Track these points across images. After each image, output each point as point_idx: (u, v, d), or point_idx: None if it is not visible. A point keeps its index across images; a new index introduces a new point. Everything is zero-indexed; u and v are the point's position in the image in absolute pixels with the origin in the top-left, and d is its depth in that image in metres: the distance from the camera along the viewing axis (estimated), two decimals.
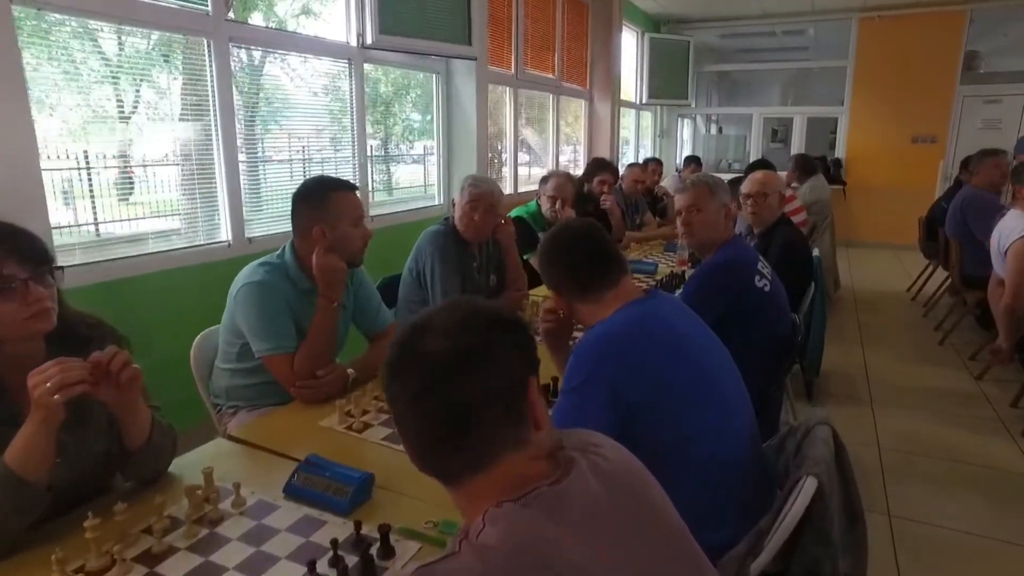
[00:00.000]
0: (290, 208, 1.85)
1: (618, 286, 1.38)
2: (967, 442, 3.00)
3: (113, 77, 2.68)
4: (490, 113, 5.44)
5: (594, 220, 1.51)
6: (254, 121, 3.40)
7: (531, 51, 5.64)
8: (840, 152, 8.47)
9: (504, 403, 0.74)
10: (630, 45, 8.14)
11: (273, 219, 3.30)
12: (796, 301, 2.68)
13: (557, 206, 3.25)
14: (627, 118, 8.48)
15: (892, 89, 7.98)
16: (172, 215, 2.94)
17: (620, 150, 7.84)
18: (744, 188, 2.83)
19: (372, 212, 4.08)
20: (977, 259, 4.14)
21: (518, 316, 0.84)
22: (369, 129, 4.58)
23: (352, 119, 3.71)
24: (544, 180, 3.31)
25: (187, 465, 1.40)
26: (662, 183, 5.98)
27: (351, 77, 3.67)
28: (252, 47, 3.15)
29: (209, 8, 2.81)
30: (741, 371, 1.97)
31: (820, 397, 3.49)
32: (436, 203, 4.62)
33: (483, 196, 2.49)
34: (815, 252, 3.41)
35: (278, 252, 1.88)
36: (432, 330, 0.76)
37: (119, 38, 2.68)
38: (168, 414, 1.40)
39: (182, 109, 2.89)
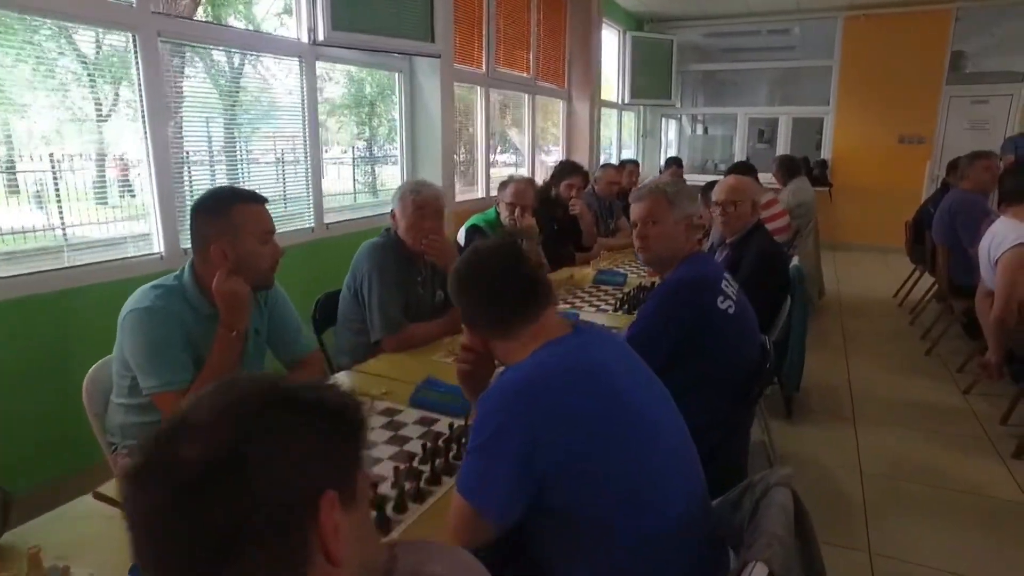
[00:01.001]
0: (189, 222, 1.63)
1: (539, 321, 1.17)
2: (954, 465, 2.81)
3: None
4: (463, 113, 5.23)
5: (514, 241, 1.29)
6: (235, 124, 3.27)
7: (504, 49, 5.43)
8: (826, 153, 8.31)
9: (275, 532, 0.52)
10: (611, 44, 7.95)
11: None
12: (771, 316, 2.49)
13: (516, 214, 3.04)
14: (609, 118, 8.28)
15: (878, 89, 7.82)
16: (98, 223, 2.71)
17: (601, 151, 7.63)
18: (714, 195, 2.62)
19: (356, 215, 3.98)
20: (965, 266, 3.96)
21: (330, 394, 0.62)
22: (354, 130, 4.40)
23: (304, 120, 3.48)
24: (502, 186, 3.09)
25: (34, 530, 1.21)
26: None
27: (302, 76, 3.43)
28: (193, 43, 2.91)
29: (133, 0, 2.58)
30: (703, 400, 1.76)
31: (800, 414, 3.29)
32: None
33: (430, 201, 2.28)
34: (794, 261, 3.21)
35: (177, 272, 1.65)
36: (187, 427, 0.54)
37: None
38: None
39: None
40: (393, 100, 4.58)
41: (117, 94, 2.84)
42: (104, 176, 2.71)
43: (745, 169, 4.61)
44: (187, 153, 3.02)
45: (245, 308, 1.57)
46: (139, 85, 2.63)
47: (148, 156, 2.71)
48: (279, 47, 3.34)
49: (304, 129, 3.49)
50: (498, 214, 3.11)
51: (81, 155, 2.62)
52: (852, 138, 8.09)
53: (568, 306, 2.75)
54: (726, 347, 1.74)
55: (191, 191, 3.10)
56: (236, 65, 3.38)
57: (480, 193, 5.42)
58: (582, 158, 6.86)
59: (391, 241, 2.31)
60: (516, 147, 6.76)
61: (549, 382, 1.04)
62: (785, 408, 3.26)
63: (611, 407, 1.06)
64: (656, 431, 1.10)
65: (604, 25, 7.39)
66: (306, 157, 3.53)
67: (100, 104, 2.69)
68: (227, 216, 1.58)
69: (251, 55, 3.26)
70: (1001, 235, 2.90)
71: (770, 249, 2.49)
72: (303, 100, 3.46)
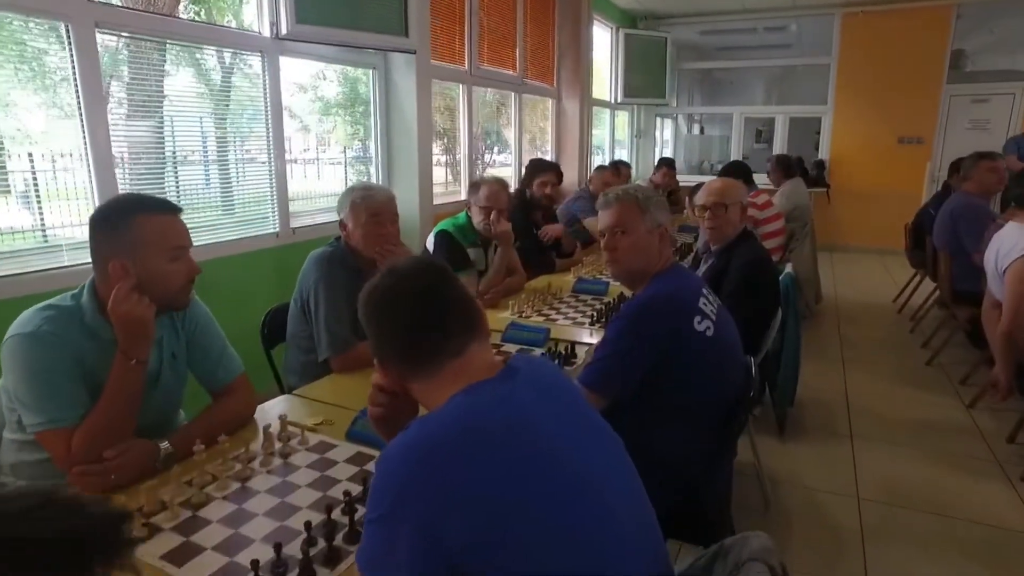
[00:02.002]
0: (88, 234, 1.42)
1: (463, 357, 0.96)
2: (959, 490, 2.60)
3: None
4: (443, 111, 5.02)
5: (438, 261, 1.08)
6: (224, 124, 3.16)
7: (488, 46, 5.22)
8: (824, 153, 8.11)
9: None
10: (604, 41, 7.75)
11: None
12: (759, 333, 2.28)
13: (492, 217, 2.83)
14: (602, 118, 8.08)
15: (877, 88, 7.62)
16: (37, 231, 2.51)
17: (593, 152, 7.43)
18: (699, 199, 2.42)
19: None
20: (968, 272, 3.76)
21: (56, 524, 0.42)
22: (349, 130, 4.21)
23: (267, 119, 3.27)
24: (474, 187, 2.88)
25: None
26: None
27: (264, 72, 3.23)
28: (139, 36, 2.70)
29: None
30: (678, 433, 1.56)
31: (794, 431, 3.09)
32: None
33: (385, 205, 2.10)
34: (787, 269, 3.01)
35: (75, 291, 1.45)
36: None
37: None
38: None
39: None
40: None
41: (107, 91, 2.71)
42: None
43: (737, 170, 4.41)
44: (174, 153, 2.95)
45: (146, 333, 1.36)
46: (74, 78, 2.43)
47: (86, 154, 2.50)
48: (238, 41, 3.14)
49: (267, 128, 3.28)
50: (469, 218, 2.90)
51: (63, 154, 2.51)
52: (850, 138, 7.89)
53: (542, 319, 2.55)
54: (704, 374, 1.54)
55: (178, 192, 2.99)
56: (227, 64, 3.19)
57: (464, 195, 5.20)
58: (572, 159, 6.67)
59: (340, 251, 2.10)
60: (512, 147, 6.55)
61: (460, 447, 0.83)
62: (777, 425, 3.06)
63: (537, 476, 0.85)
64: (599, 499, 0.89)
65: (596, 22, 7.19)
66: (269, 158, 3.32)
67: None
68: (127, 229, 1.37)
69: (239, 53, 3.05)
70: (1009, 243, 2.70)
71: (758, 258, 2.28)
72: (265, 97, 3.25)
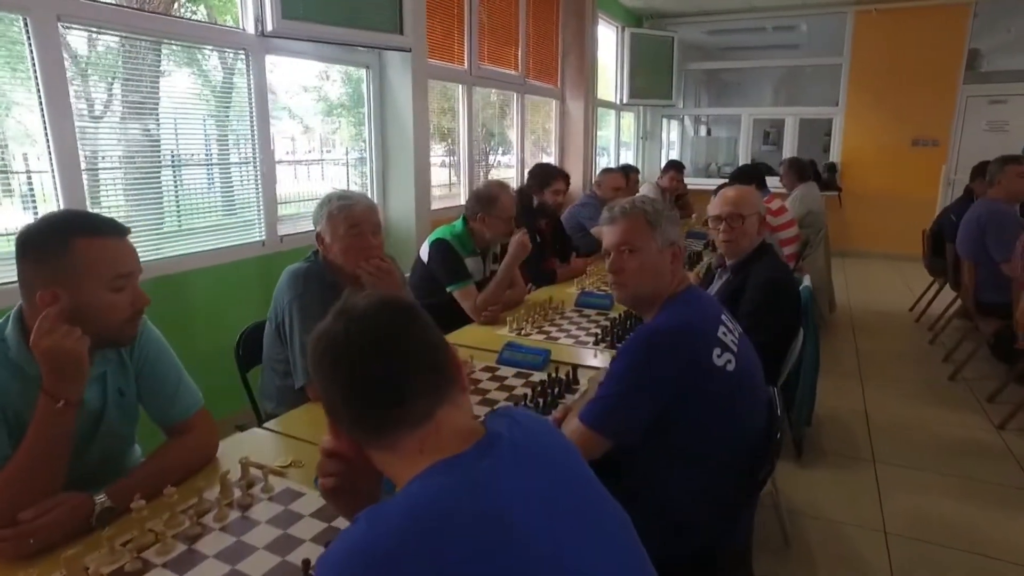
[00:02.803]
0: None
1: (432, 421, 0.77)
2: (994, 524, 2.40)
3: None
4: (446, 112, 4.84)
5: (403, 300, 0.88)
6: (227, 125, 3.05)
7: (489, 45, 5.03)
8: (835, 156, 7.89)
9: None
10: (609, 41, 7.55)
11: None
12: (780, 354, 2.08)
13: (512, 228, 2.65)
14: (607, 119, 7.88)
15: (890, 88, 7.40)
16: None
17: (597, 153, 7.23)
18: (713, 209, 2.21)
19: None
20: (994, 283, 3.56)
21: None
22: (352, 131, 4.08)
23: (252, 120, 3.09)
24: (488, 200, 2.65)
25: None
26: (640, 192, 5.35)
27: (248, 71, 3.04)
28: (111, 31, 2.52)
29: None
30: (691, 482, 1.36)
31: (812, 454, 2.88)
32: None
33: (366, 215, 1.89)
34: (805, 281, 2.80)
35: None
36: None
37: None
38: None
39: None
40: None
41: (110, 93, 2.69)
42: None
43: (750, 174, 4.21)
44: (171, 154, 2.85)
45: (77, 371, 1.17)
46: (34, 77, 2.24)
47: (50, 160, 2.32)
48: (220, 39, 2.95)
49: (252, 130, 3.10)
50: (467, 226, 2.71)
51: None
52: (863, 140, 7.66)
53: (542, 337, 2.35)
54: (724, 413, 1.34)
55: (177, 197, 2.88)
56: (229, 63, 3.02)
57: (463, 199, 5.01)
58: (576, 161, 6.48)
59: (317, 267, 1.91)
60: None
61: (415, 555, 0.64)
62: (795, 447, 2.85)
63: (518, 569, 0.66)
64: None
65: (601, 21, 7.00)
66: (255, 161, 3.13)
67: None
68: (63, 254, 1.18)
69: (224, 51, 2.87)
70: None
71: (779, 275, 2.07)
72: (250, 98, 3.07)
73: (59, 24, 2.29)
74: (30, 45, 2.23)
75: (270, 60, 3.17)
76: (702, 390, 1.30)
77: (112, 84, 2.69)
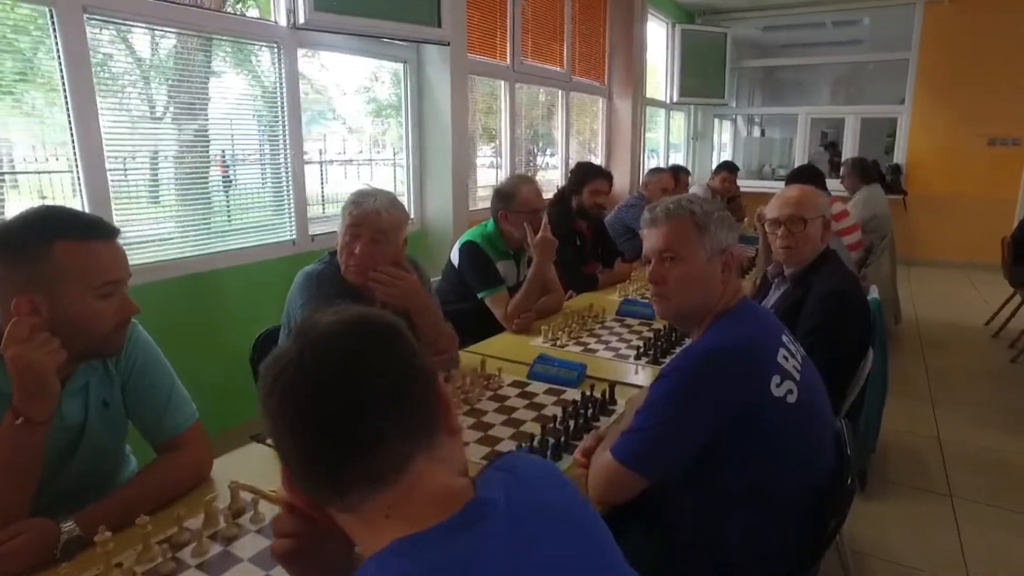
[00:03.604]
0: None
1: (399, 482, 0.60)
2: None
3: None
4: (495, 111, 4.69)
5: (385, 318, 0.71)
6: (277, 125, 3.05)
7: (532, 40, 4.86)
8: (900, 157, 7.41)
9: None
10: (659, 38, 7.29)
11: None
12: (846, 376, 1.84)
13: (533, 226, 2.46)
14: (656, 119, 7.61)
15: (963, 85, 6.90)
16: None
17: (646, 154, 6.98)
18: (771, 211, 1.98)
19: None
20: None
21: None
22: (400, 131, 4.01)
23: (282, 117, 3.00)
24: (506, 194, 2.49)
25: None
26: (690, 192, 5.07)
27: (279, 65, 2.95)
28: (136, 23, 2.45)
29: None
30: (750, 519, 1.15)
31: (877, 486, 2.60)
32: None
33: (366, 219, 1.69)
34: (873, 293, 2.53)
35: None
36: None
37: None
38: None
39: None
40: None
41: (170, 96, 2.69)
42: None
43: (808, 175, 3.91)
44: (223, 153, 2.86)
45: (40, 388, 1.04)
46: (60, 71, 2.18)
47: (75, 157, 2.25)
48: (250, 31, 2.87)
49: (283, 127, 3.00)
50: (498, 227, 2.53)
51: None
52: (931, 140, 7.17)
53: (579, 348, 2.16)
54: (784, 450, 1.13)
55: (227, 198, 2.89)
56: (278, 60, 2.99)
57: None
58: (624, 161, 6.26)
59: (331, 269, 1.77)
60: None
61: None
62: (859, 479, 2.57)
63: None
64: None
65: (651, 17, 6.75)
66: (285, 159, 3.04)
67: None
68: (44, 257, 1.06)
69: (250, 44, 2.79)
70: None
71: (846, 287, 1.82)
72: (281, 94, 2.98)
73: (84, 16, 2.22)
74: (55, 37, 2.16)
75: (322, 59, 3.10)
76: (759, 424, 1.10)
77: (153, 83, 2.64)
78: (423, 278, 1.93)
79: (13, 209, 2.18)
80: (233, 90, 2.92)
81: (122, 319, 1.16)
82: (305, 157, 3.18)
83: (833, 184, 4.81)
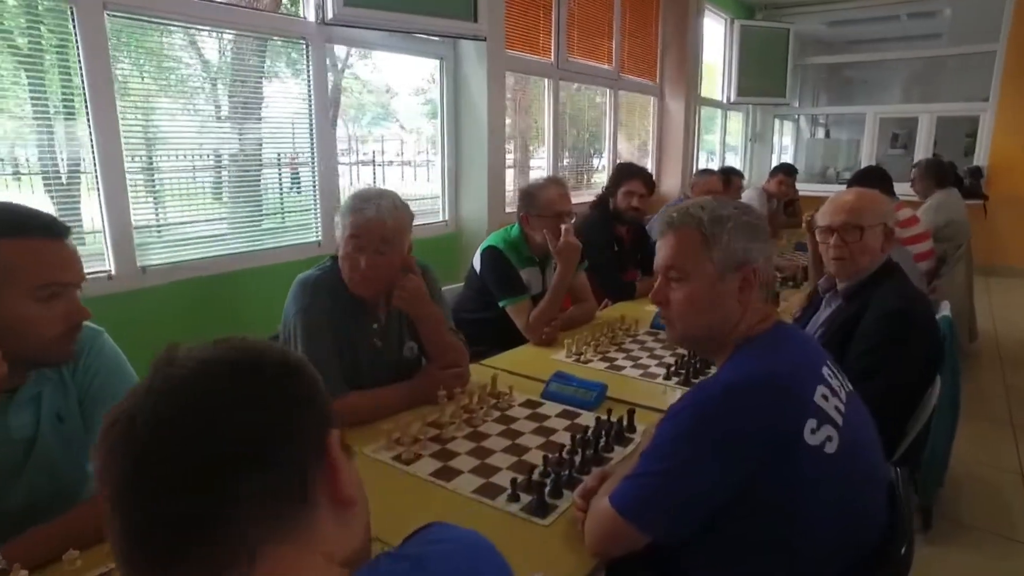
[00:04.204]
0: None
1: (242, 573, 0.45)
2: None
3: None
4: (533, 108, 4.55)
5: (258, 357, 0.56)
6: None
7: (579, 36, 4.68)
8: (981, 159, 6.84)
9: None
10: (716, 34, 6.97)
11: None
12: (907, 408, 1.60)
13: (564, 228, 2.30)
14: (712, 120, 7.29)
15: None
16: None
17: (699, 156, 6.68)
18: (823, 217, 1.75)
19: None
20: None
21: None
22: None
23: (311, 117, 2.92)
24: (530, 195, 2.33)
25: None
26: (743, 197, 4.77)
27: (308, 62, 2.88)
28: (156, 18, 2.41)
29: None
30: None
31: (945, 526, 2.31)
32: (439, 219, 3.76)
33: (370, 229, 1.55)
34: (944, 310, 2.25)
35: None
36: None
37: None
38: None
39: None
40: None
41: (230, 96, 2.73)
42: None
43: (873, 177, 3.59)
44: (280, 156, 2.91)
45: None
46: (80, 69, 2.15)
47: (94, 159, 2.23)
48: (278, 27, 2.80)
49: (311, 128, 2.93)
50: (522, 230, 2.38)
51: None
52: (1019, 140, 6.58)
53: (604, 365, 1.98)
54: (816, 505, 0.92)
55: (282, 200, 2.95)
56: (342, 61, 2.97)
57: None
58: (675, 163, 6.00)
59: (330, 275, 1.65)
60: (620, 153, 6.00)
61: None
62: (921, 515, 2.29)
63: None
64: None
65: (708, 12, 6.45)
66: (312, 159, 2.97)
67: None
68: None
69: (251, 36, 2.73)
70: None
71: (911, 305, 1.57)
72: (309, 91, 2.90)
73: (105, 12, 2.19)
74: (76, 34, 2.14)
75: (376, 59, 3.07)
76: (788, 477, 0.90)
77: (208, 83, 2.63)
78: (432, 285, 1.79)
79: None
80: (290, 92, 2.91)
81: (69, 326, 1.06)
82: (363, 158, 3.26)
83: (902, 188, 4.44)
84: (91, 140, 2.21)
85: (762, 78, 7.29)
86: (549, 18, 4.35)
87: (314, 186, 2.99)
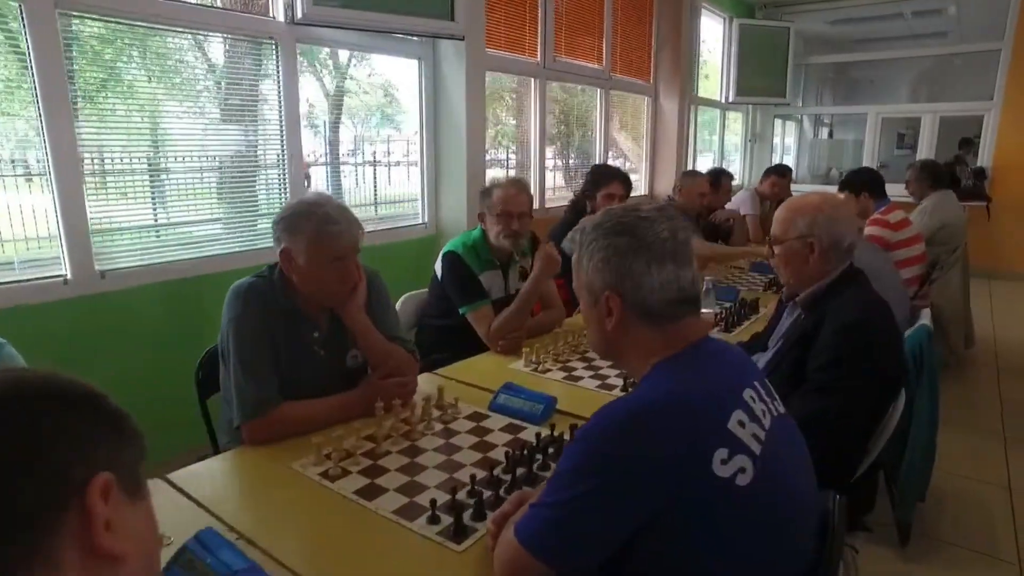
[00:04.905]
0: None
1: None
2: None
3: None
4: (557, 115, 4.49)
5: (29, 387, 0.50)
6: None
7: (567, 35, 4.61)
8: (985, 159, 6.70)
9: None
10: (715, 33, 6.88)
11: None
12: (864, 427, 1.52)
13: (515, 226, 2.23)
14: (712, 121, 7.19)
15: None
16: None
17: (694, 156, 6.58)
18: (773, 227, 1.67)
19: None
20: None
21: None
22: None
23: (281, 119, 2.87)
24: (486, 192, 2.28)
25: None
26: (732, 201, 4.66)
27: (277, 63, 2.83)
28: (103, 16, 2.36)
29: None
30: None
31: (925, 543, 2.22)
32: (419, 222, 3.70)
33: (353, 248, 1.59)
34: (923, 319, 2.16)
35: None
36: None
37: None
38: None
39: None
40: (507, 101, 4.36)
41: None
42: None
43: (864, 180, 3.51)
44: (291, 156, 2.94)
45: None
46: (31, 68, 2.11)
47: (47, 159, 2.18)
48: (245, 27, 2.75)
49: (281, 130, 2.88)
50: (484, 232, 2.31)
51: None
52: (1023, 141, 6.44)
53: (563, 375, 1.91)
54: (726, 544, 0.85)
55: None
56: (343, 63, 2.96)
57: (535, 204, 4.61)
58: (669, 165, 5.90)
59: (269, 284, 1.58)
60: (625, 153, 5.97)
61: None
62: (898, 531, 2.20)
63: None
64: None
65: (705, 11, 6.37)
66: (281, 162, 2.91)
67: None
68: None
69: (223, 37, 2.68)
70: None
71: (867, 316, 1.48)
72: (279, 94, 2.85)
73: (56, 11, 2.14)
74: (25, 34, 2.09)
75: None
76: (696, 510, 0.82)
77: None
78: (377, 292, 1.74)
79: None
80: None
81: None
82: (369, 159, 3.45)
83: (896, 188, 4.33)
84: (43, 139, 2.16)
85: (762, 78, 7.18)
86: (535, 17, 4.28)
87: (281, 190, 2.93)
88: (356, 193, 3.63)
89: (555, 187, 5.01)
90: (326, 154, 3.37)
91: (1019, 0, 6.32)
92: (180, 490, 1.28)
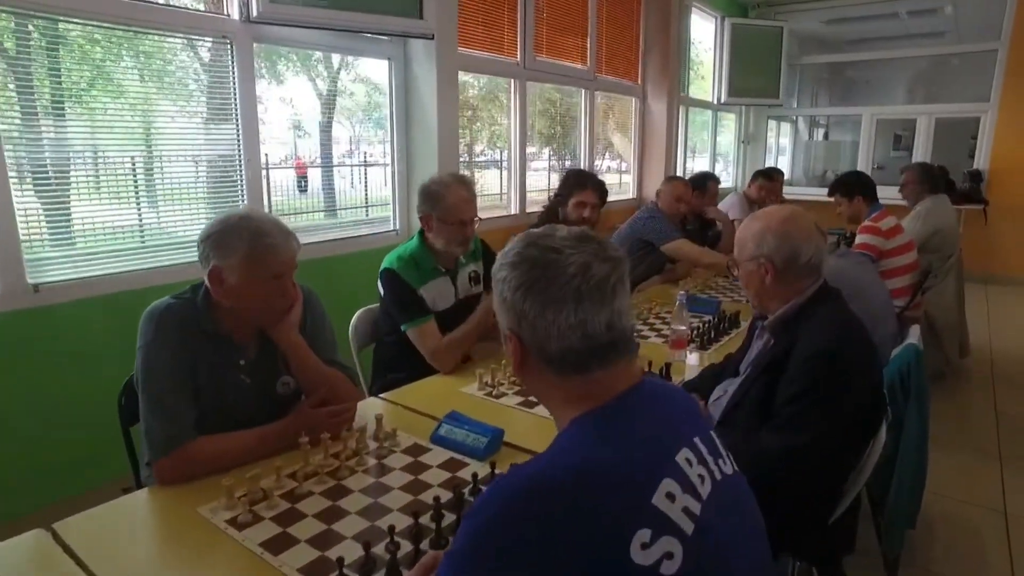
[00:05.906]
0: None
1: None
2: None
3: None
4: (552, 117, 4.34)
5: None
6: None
7: (548, 34, 4.46)
8: (982, 162, 6.57)
9: None
10: (706, 32, 6.74)
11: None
12: (840, 458, 1.37)
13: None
14: (704, 123, 7.05)
15: None
16: None
17: (684, 158, 6.44)
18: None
19: None
20: None
21: None
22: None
23: (236, 119, 2.73)
24: (432, 195, 2.04)
25: None
26: (720, 204, 4.51)
27: (232, 62, 2.68)
28: (61, 15, 2.21)
29: None
30: None
31: (913, 571, 2.08)
32: (390, 228, 3.55)
33: (292, 263, 1.47)
34: (911, 337, 2.01)
35: None
36: None
37: None
38: None
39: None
40: (501, 101, 4.31)
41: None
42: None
43: (853, 184, 3.37)
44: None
45: None
46: None
47: None
48: (197, 25, 2.60)
49: (237, 130, 2.73)
50: (424, 242, 2.12)
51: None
52: (1021, 142, 6.30)
53: (519, 400, 1.76)
54: None
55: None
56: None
57: (513, 209, 4.48)
58: (657, 167, 5.76)
59: (189, 308, 1.43)
60: (620, 155, 5.84)
61: None
62: (884, 562, 2.05)
63: None
64: None
65: (696, 11, 6.23)
66: (239, 165, 2.77)
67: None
68: None
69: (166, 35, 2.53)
70: None
71: (838, 346, 1.31)
72: (234, 94, 2.71)
73: None
74: None
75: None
76: None
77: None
78: (312, 311, 1.59)
79: None
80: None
81: None
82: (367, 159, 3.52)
83: (889, 191, 4.18)
84: None
85: (755, 78, 7.05)
86: (514, 15, 4.13)
87: (241, 194, 2.79)
88: (352, 195, 3.70)
89: (549, 189, 4.82)
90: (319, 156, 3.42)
91: (1015, 1, 6.19)
92: (61, 543, 1.13)
